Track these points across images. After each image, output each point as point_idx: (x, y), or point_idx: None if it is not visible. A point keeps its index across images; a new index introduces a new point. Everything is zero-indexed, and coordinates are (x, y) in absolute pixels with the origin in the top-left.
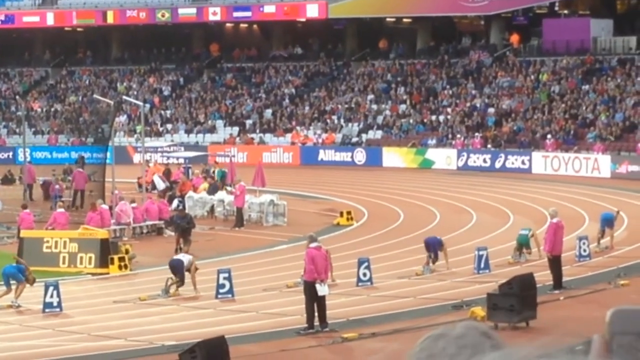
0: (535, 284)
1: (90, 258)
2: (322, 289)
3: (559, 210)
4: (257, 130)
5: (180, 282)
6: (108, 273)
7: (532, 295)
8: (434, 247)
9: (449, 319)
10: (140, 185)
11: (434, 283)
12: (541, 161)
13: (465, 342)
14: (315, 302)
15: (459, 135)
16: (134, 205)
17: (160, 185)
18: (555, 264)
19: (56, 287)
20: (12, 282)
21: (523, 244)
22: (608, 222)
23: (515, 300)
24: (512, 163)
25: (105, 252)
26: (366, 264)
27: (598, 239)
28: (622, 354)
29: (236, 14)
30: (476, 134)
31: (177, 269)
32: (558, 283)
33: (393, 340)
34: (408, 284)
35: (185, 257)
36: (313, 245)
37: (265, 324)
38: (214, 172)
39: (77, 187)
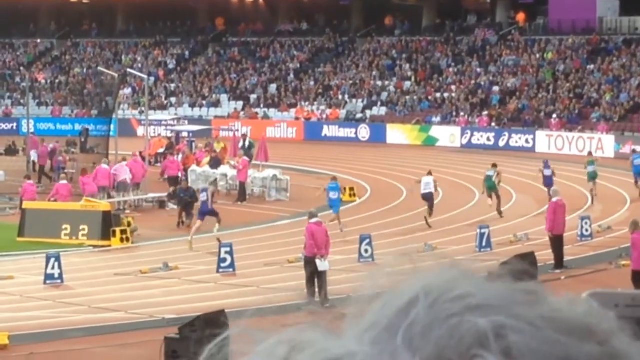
0: (537, 263)
1: (92, 230)
2: (322, 265)
3: (562, 189)
4: (262, 105)
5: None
6: (110, 245)
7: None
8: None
9: None
10: (143, 159)
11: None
12: (545, 140)
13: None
14: (315, 277)
15: (462, 113)
16: (122, 163)
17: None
18: (556, 243)
19: (58, 258)
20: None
21: (591, 179)
22: None
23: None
24: (516, 142)
25: (108, 224)
26: (368, 240)
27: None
28: None
29: None
30: (483, 112)
31: (429, 199)
32: (559, 263)
33: None
34: (410, 261)
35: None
36: (313, 220)
37: (266, 298)
38: (214, 149)
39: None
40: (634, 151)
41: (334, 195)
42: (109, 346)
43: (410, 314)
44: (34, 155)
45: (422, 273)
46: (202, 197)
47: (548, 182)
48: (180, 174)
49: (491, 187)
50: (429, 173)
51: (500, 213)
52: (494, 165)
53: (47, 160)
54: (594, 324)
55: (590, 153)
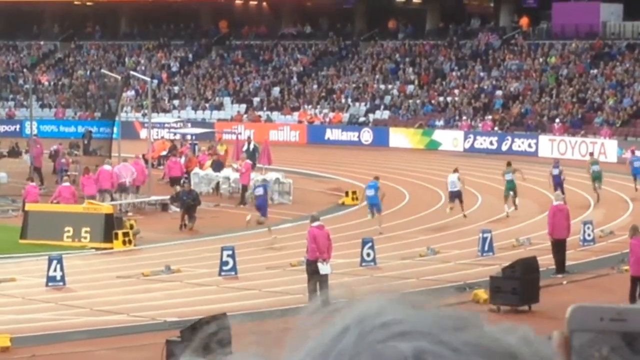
0: (539, 268)
1: (94, 233)
2: (324, 268)
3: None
4: (265, 108)
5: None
6: (112, 248)
7: (535, 279)
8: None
9: (452, 300)
10: (146, 161)
11: (438, 264)
12: (548, 145)
13: None
14: (317, 281)
15: (464, 117)
16: (125, 163)
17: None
18: (555, 247)
19: (60, 261)
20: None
21: (596, 179)
22: None
23: (518, 284)
24: (519, 146)
25: (110, 227)
26: (370, 244)
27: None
28: (581, 351)
29: None
30: (488, 116)
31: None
32: (559, 267)
33: None
34: (411, 265)
35: None
36: (315, 224)
37: (267, 302)
38: (217, 152)
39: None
40: (632, 152)
41: (369, 192)
42: (111, 349)
43: (341, 342)
44: (27, 160)
45: (358, 301)
46: (258, 191)
47: (556, 181)
48: (183, 176)
49: (512, 188)
50: (455, 170)
51: (515, 206)
52: (509, 164)
53: (42, 161)
54: (523, 352)
55: (591, 154)
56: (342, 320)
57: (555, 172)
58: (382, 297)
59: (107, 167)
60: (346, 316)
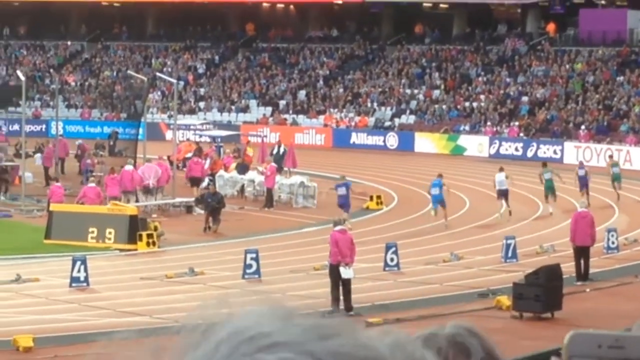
0: (562, 275)
1: (118, 234)
2: (346, 272)
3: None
4: (290, 111)
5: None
6: (136, 249)
7: (558, 286)
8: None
9: (475, 306)
10: (171, 163)
11: (461, 270)
12: (573, 151)
13: (455, 342)
14: (340, 285)
15: (489, 123)
16: (149, 163)
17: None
18: (577, 254)
19: (84, 262)
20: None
21: (615, 180)
22: None
23: (541, 291)
24: (544, 152)
25: (134, 228)
26: (394, 249)
27: None
28: None
29: None
30: (515, 122)
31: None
32: (580, 274)
33: (417, 327)
34: (435, 270)
35: None
36: (337, 228)
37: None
38: (247, 154)
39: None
40: None
41: (435, 191)
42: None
43: (215, 357)
44: (38, 159)
45: (232, 315)
46: (341, 191)
47: (583, 182)
48: (207, 178)
49: (550, 188)
50: (501, 169)
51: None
52: (545, 165)
53: (53, 162)
54: (394, 357)
55: (611, 156)
56: (217, 335)
57: (581, 173)
58: (254, 310)
59: (128, 167)
60: (220, 330)
